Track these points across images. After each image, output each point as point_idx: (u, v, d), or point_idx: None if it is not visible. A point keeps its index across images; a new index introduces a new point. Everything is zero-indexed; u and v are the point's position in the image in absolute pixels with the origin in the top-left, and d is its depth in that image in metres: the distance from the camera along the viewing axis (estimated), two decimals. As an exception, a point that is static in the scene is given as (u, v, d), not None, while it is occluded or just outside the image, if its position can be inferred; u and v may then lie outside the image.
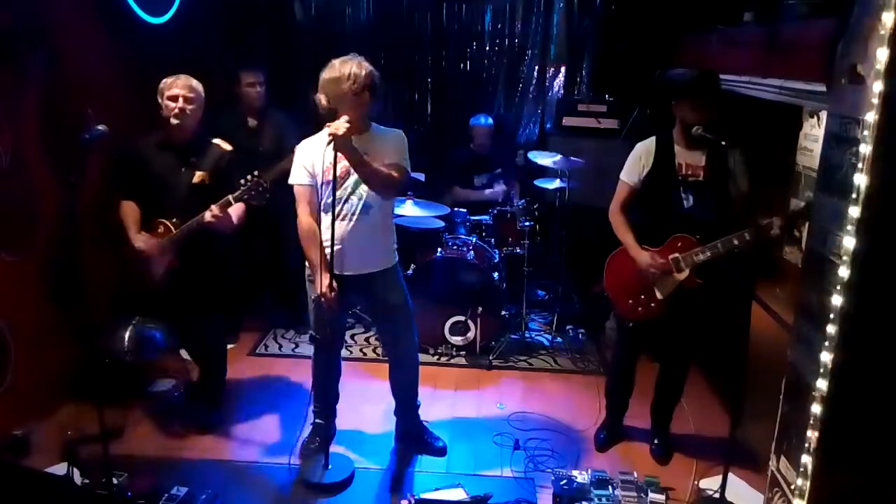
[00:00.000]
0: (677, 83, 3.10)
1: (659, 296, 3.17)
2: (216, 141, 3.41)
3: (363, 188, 2.95)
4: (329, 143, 2.74)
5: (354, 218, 2.98)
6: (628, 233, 3.21)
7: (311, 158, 2.98)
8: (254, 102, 4.38)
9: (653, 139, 3.18)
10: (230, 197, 3.14)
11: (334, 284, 2.92)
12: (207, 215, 3.15)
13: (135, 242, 3.30)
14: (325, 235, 2.95)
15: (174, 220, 3.30)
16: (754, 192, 3.03)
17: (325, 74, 2.86)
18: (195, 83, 3.28)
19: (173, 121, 3.21)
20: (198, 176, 3.29)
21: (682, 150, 3.10)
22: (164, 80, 3.25)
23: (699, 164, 3.07)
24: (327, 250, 2.94)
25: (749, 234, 2.88)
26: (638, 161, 3.19)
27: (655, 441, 3.49)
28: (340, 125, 2.71)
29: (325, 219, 2.97)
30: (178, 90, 3.21)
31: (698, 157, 3.08)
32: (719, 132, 2.93)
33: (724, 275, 3.16)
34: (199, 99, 3.30)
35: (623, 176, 3.25)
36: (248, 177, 3.13)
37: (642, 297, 3.21)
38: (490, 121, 5.10)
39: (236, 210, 3.27)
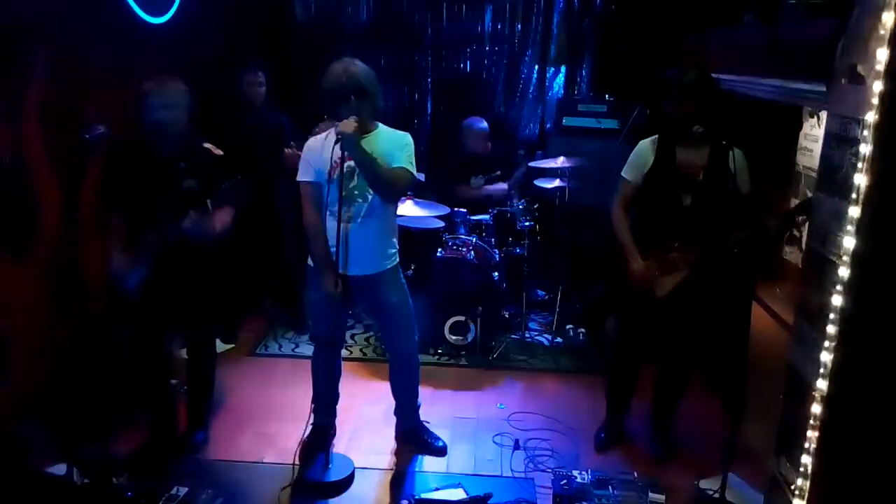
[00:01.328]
0: (665, 82, 3.11)
1: (658, 295, 3.18)
2: (206, 145, 3.24)
3: (368, 189, 2.95)
4: (337, 143, 2.76)
5: (359, 219, 2.98)
6: (627, 234, 3.22)
7: (318, 156, 2.99)
8: (254, 102, 4.41)
9: (655, 137, 3.19)
10: (208, 201, 3.03)
11: (340, 283, 2.92)
12: (186, 221, 3.01)
13: (115, 262, 3.09)
14: (330, 234, 2.96)
15: (164, 230, 3.05)
16: (755, 192, 3.04)
17: (326, 81, 2.89)
18: (178, 86, 3.10)
19: (155, 128, 3.04)
20: (187, 183, 3.08)
21: (684, 150, 3.10)
22: (146, 85, 3.06)
23: (700, 163, 3.08)
24: (333, 249, 2.94)
25: (745, 235, 2.91)
26: (640, 159, 3.20)
27: (656, 441, 3.49)
28: (349, 124, 2.73)
29: (330, 218, 2.98)
30: (160, 96, 3.03)
31: (699, 157, 3.08)
32: (720, 132, 2.93)
33: (722, 275, 3.16)
34: (183, 103, 3.09)
35: (624, 173, 3.25)
36: (230, 181, 3.03)
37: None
38: (483, 124, 5.02)
39: (221, 215, 3.11)
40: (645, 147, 3.21)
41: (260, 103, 4.44)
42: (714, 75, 3.61)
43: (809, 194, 2.95)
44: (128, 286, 3.09)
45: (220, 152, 3.25)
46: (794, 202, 3.17)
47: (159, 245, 3.04)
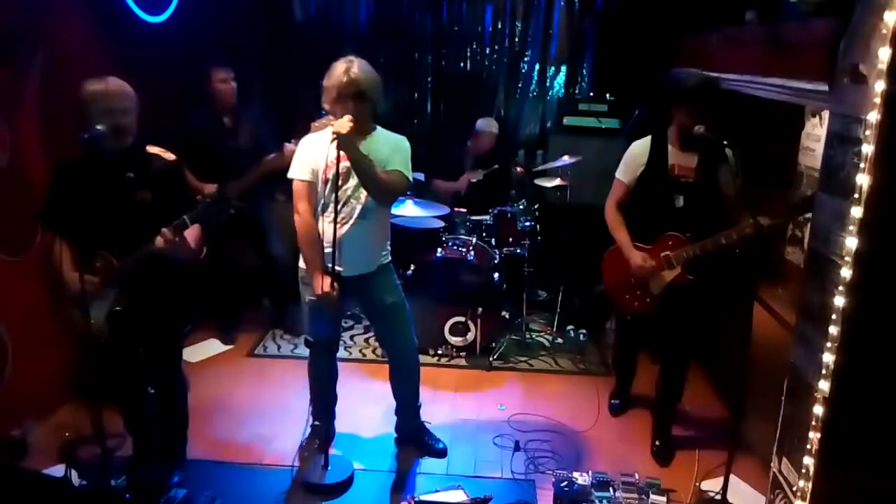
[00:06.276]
0: (677, 89, 3.14)
1: (653, 291, 3.26)
2: (155, 150, 2.84)
3: (363, 191, 2.94)
4: (332, 142, 2.74)
5: (353, 220, 2.96)
6: (623, 231, 3.30)
7: (314, 155, 2.97)
8: (226, 99, 4.24)
9: (648, 139, 3.26)
10: (185, 218, 2.69)
11: (335, 284, 2.91)
12: (159, 241, 2.67)
13: (68, 284, 2.72)
14: (324, 235, 2.95)
15: (115, 250, 2.76)
16: (745, 193, 3.10)
17: (327, 79, 2.87)
18: (127, 88, 2.72)
19: (96, 135, 2.58)
20: (138, 194, 2.73)
21: (676, 152, 3.18)
22: (88, 88, 2.65)
23: (691, 165, 3.15)
24: (326, 250, 2.93)
25: (735, 233, 2.98)
26: (633, 160, 3.28)
27: (657, 442, 3.48)
28: (344, 124, 2.71)
29: (324, 218, 2.96)
30: (111, 102, 2.64)
31: (691, 159, 3.16)
32: (721, 132, 2.93)
33: (717, 273, 3.22)
34: (135, 105, 2.74)
35: (618, 174, 3.34)
36: (208, 192, 2.73)
37: (638, 292, 3.31)
38: (496, 128, 5.08)
39: (192, 232, 2.78)
40: (638, 149, 3.28)
41: (234, 102, 4.27)
42: (715, 74, 3.62)
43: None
44: (94, 317, 2.75)
45: (171, 157, 2.87)
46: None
47: (121, 270, 2.76)
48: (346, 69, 2.82)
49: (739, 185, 3.10)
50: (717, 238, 3.04)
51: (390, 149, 2.99)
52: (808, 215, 2.83)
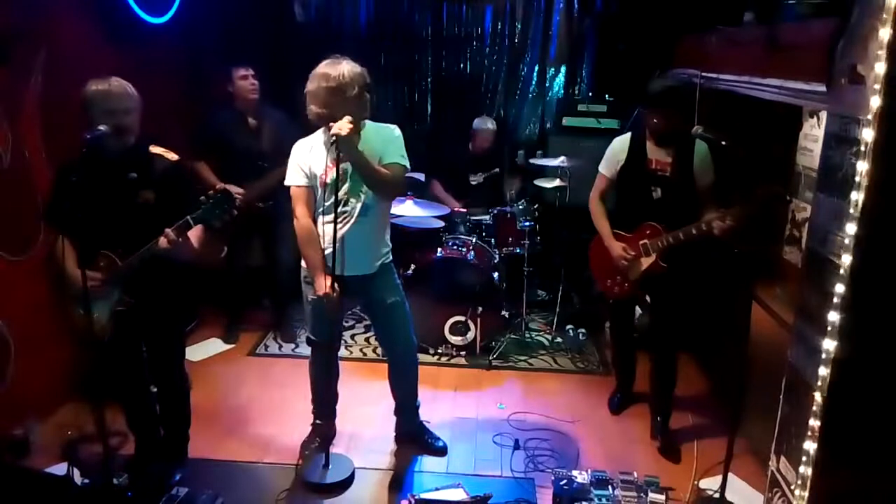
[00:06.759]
0: (645, 91, 3.34)
1: (630, 277, 3.46)
2: (158, 150, 2.85)
3: (362, 190, 2.94)
4: (332, 144, 2.74)
5: (353, 220, 2.97)
6: (604, 221, 3.54)
7: (309, 159, 2.97)
8: (249, 96, 4.21)
9: (628, 135, 3.47)
10: (189, 218, 2.68)
11: (336, 285, 2.92)
12: (162, 241, 2.68)
13: (72, 283, 2.73)
14: (325, 237, 2.95)
15: (118, 250, 2.77)
16: (718, 187, 3.28)
17: (316, 83, 2.78)
18: (129, 88, 2.73)
19: (112, 138, 2.65)
20: (141, 195, 2.75)
21: (653, 147, 3.36)
22: (91, 88, 2.66)
23: (667, 160, 3.32)
24: (327, 251, 2.94)
25: (705, 225, 3.13)
26: (613, 155, 3.50)
27: (658, 419, 3.57)
28: (344, 125, 2.69)
29: (323, 220, 2.97)
30: (114, 103, 2.66)
31: (666, 154, 3.33)
32: (719, 132, 2.95)
33: (694, 263, 3.42)
34: (137, 105, 2.75)
35: (601, 168, 3.56)
36: (210, 192, 2.71)
37: (618, 277, 3.52)
38: (493, 125, 5.10)
39: (195, 232, 2.78)
40: (618, 145, 3.49)
41: (257, 98, 4.25)
42: (713, 75, 3.65)
43: (809, 194, 2.96)
44: (98, 317, 2.77)
45: (175, 157, 2.88)
46: (796, 203, 3.18)
47: (124, 270, 2.77)
48: (339, 70, 2.77)
49: (713, 179, 3.27)
50: (689, 229, 3.20)
51: (383, 140, 2.98)
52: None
